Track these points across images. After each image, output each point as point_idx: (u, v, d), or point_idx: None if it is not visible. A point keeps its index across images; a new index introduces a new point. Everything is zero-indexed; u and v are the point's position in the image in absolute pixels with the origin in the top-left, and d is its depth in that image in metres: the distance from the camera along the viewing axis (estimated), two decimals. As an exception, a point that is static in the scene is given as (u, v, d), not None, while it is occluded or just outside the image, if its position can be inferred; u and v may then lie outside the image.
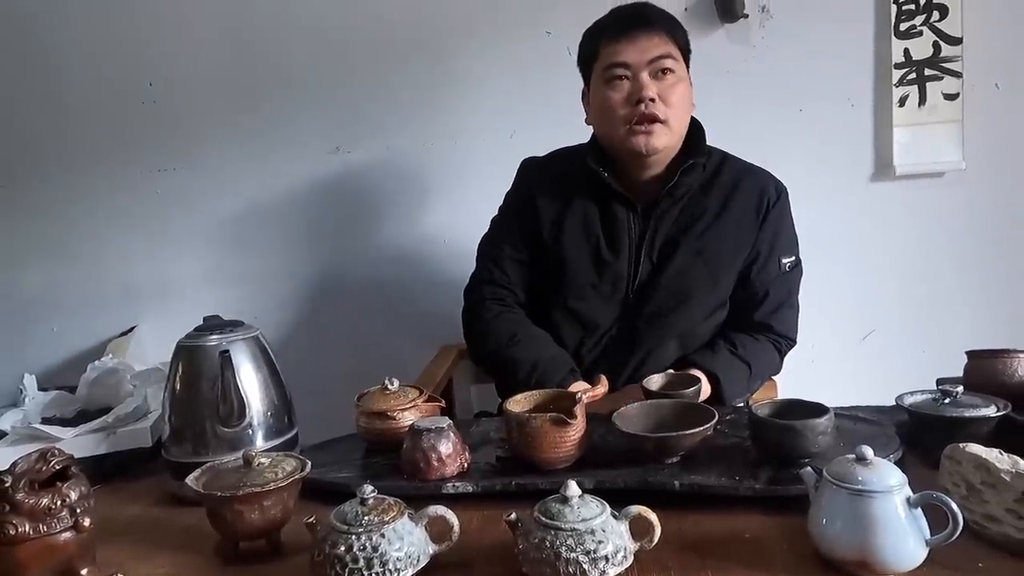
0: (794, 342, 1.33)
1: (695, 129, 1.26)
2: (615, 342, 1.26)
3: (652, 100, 1.16)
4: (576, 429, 0.88)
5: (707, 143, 1.26)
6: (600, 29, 1.24)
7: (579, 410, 0.89)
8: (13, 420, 1.07)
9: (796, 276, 1.31)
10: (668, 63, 1.18)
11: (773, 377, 1.38)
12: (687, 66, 1.25)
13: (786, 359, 1.35)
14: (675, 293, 1.23)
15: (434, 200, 1.90)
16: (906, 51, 1.73)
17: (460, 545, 0.74)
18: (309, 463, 0.82)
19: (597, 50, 1.22)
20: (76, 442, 1.01)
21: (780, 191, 1.29)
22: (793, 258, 1.30)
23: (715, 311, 1.28)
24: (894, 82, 1.74)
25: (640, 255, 1.24)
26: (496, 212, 1.39)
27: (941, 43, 1.71)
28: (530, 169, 1.37)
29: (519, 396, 0.96)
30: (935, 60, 1.72)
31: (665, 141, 1.19)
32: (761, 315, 1.28)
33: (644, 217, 1.24)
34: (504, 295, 1.31)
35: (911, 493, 0.67)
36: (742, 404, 1.21)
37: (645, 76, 1.17)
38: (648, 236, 1.24)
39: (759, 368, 1.26)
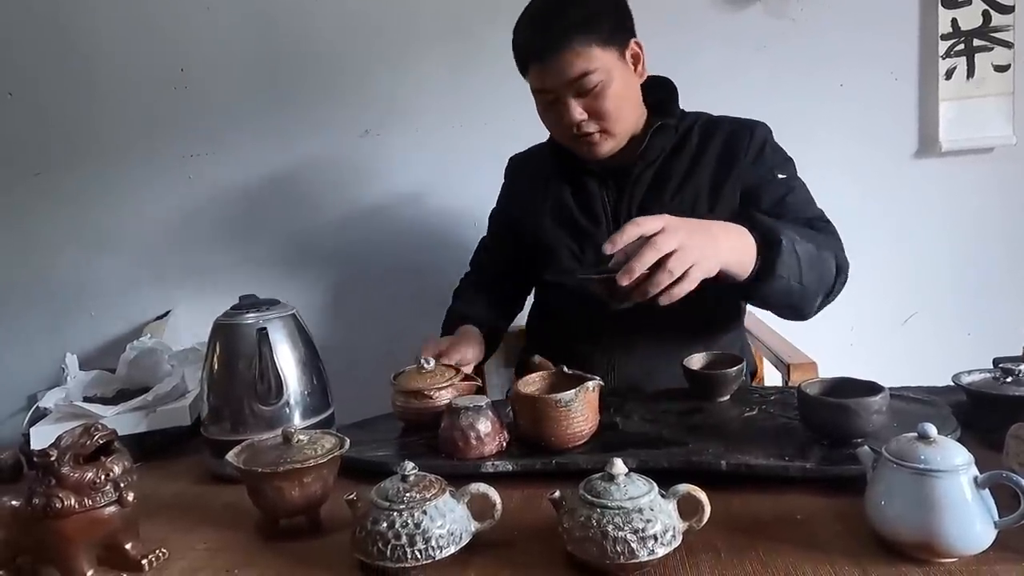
0: (831, 223, 1.16)
1: (666, 91, 1.22)
2: (623, 314, 1.05)
3: (582, 122, 1.12)
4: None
5: (679, 104, 1.21)
6: (518, 45, 1.15)
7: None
8: (56, 398, 1.08)
9: (804, 189, 1.18)
10: (591, 80, 1.09)
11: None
12: (625, 42, 1.12)
13: (825, 341, 1.30)
14: None
15: (464, 183, 1.88)
16: (954, 21, 1.66)
17: (501, 524, 0.73)
18: (348, 440, 0.82)
19: (523, 65, 1.15)
20: (117, 420, 1.02)
21: (753, 128, 1.19)
22: (788, 176, 1.18)
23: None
24: (940, 54, 1.67)
25: (618, 223, 1.18)
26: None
27: (991, 11, 1.64)
28: (512, 166, 1.43)
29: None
30: (985, 30, 1.65)
31: (610, 146, 1.17)
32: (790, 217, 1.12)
33: (619, 187, 1.22)
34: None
35: (977, 473, 0.63)
36: (793, 387, 1.14)
37: (570, 99, 1.11)
38: (625, 203, 1.21)
39: (823, 247, 1.04)
